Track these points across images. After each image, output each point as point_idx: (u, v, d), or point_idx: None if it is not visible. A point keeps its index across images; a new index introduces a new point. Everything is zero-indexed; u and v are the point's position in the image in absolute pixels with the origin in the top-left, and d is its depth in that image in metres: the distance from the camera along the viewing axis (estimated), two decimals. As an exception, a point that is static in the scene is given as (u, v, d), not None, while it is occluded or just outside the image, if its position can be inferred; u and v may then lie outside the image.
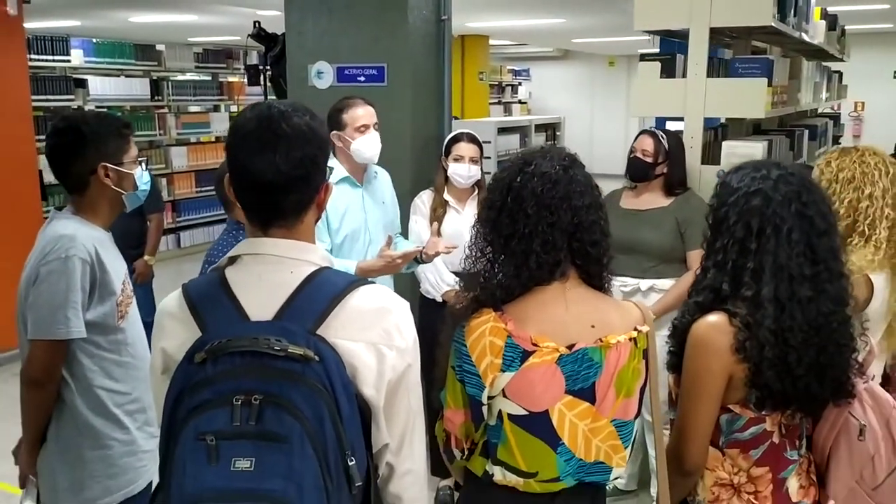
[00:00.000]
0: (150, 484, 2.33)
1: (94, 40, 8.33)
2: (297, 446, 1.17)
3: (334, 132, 2.95)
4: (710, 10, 3.10)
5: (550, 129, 8.23)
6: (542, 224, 1.61)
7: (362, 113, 2.94)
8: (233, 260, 1.37)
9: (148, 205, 4.27)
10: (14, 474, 2.27)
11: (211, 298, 1.32)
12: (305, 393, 1.19)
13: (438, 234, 3.17)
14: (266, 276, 1.33)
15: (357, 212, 2.96)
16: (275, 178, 1.30)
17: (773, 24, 3.15)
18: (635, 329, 1.66)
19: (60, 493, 2.20)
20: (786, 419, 1.73)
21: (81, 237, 2.09)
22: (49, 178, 6.83)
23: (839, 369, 1.71)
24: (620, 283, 3.09)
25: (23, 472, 2.22)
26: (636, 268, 3.21)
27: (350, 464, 1.21)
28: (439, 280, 3.29)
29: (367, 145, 2.93)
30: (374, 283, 1.42)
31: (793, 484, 1.78)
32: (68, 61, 7.88)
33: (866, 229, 2.22)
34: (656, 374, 1.75)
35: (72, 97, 7.73)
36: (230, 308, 1.30)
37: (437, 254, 2.87)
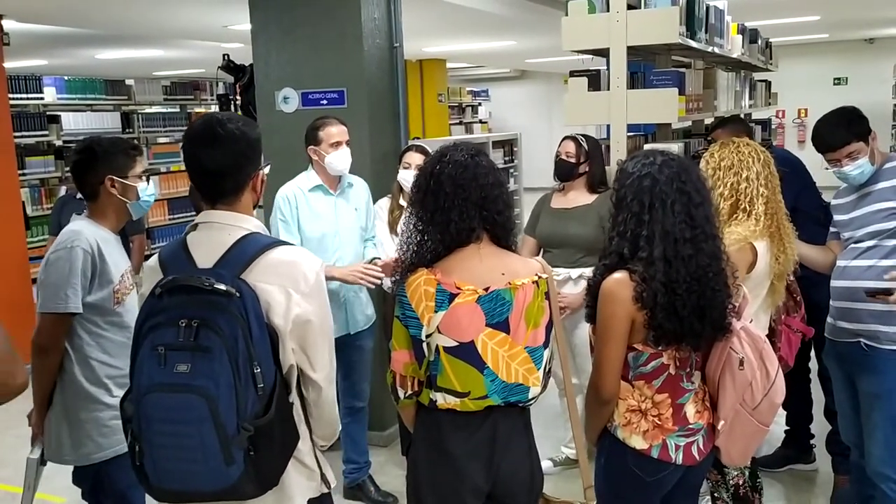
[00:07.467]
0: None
1: (66, 77, 8.52)
2: (217, 355, 1.63)
3: (311, 147, 3.33)
4: (626, 32, 3.46)
5: (508, 146, 8.56)
6: (458, 199, 2.01)
7: (336, 131, 3.32)
8: (195, 227, 1.85)
9: (131, 226, 4.62)
10: (11, 477, 2.55)
11: (174, 255, 1.82)
12: (228, 318, 1.64)
13: (395, 232, 3.54)
14: (212, 237, 1.81)
15: (328, 217, 3.33)
16: (214, 166, 1.81)
17: (680, 41, 3.52)
18: (536, 275, 2.08)
19: (64, 449, 2.56)
20: (678, 353, 2.10)
21: (86, 233, 2.48)
22: (31, 210, 7.10)
23: (716, 310, 2.08)
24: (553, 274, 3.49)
25: (34, 432, 2.59)
26: (566, 259, 3.58)
27: (256, 371, 1.65)
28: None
29: (340, 159, 3.32)
30: (293, 245, 1.89)
31: (690, 409, 2.15)
32: (41, 98, 8.08)
33: (747, 206, 2.60)
34: (559, 315, 2.15)
35: (46, 132, 7.94)
36: (185, 260, 1.79)
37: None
